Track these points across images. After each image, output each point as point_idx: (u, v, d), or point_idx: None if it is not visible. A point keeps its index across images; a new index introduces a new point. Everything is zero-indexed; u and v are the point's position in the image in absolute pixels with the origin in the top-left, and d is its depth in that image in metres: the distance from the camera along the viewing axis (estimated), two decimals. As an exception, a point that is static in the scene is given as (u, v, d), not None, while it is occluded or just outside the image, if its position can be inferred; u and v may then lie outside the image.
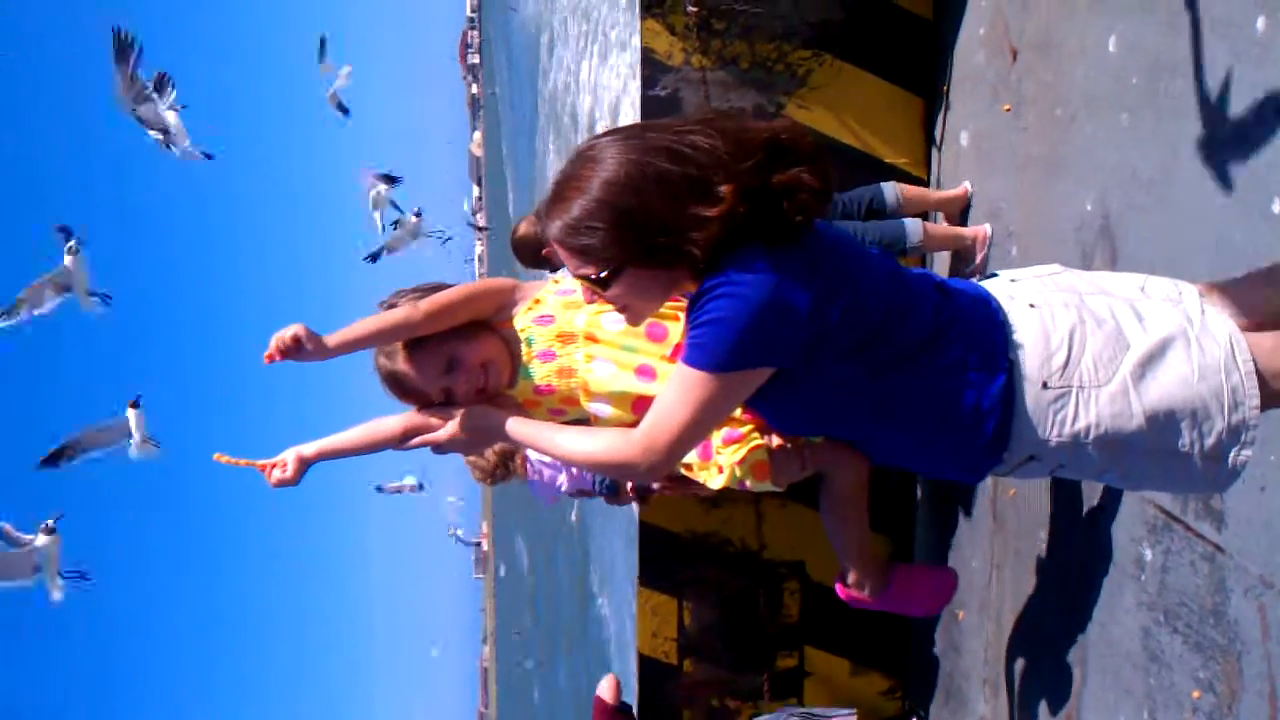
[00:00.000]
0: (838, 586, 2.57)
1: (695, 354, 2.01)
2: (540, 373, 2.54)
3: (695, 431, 2.07)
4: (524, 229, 4.93)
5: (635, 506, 4.79)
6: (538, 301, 2.58)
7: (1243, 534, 2.98)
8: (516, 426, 2.34)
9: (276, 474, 2.63)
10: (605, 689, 5.35)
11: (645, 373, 2.43)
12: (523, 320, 2.62)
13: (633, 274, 2.04)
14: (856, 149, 5.09)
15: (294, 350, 2.27)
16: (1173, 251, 3.28)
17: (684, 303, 2.13)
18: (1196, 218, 3.21)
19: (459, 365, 2.52)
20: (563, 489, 4.47)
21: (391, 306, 2.51)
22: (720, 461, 2.65)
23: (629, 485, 4.25)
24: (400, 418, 2.56)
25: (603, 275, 2.04)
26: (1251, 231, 2.95)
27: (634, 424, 2.17)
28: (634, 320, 2.20)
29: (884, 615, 5.30)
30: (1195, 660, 3.14)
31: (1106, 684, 3.62)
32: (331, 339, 2.34)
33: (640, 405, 2.43)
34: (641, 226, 1.97)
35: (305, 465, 2.64)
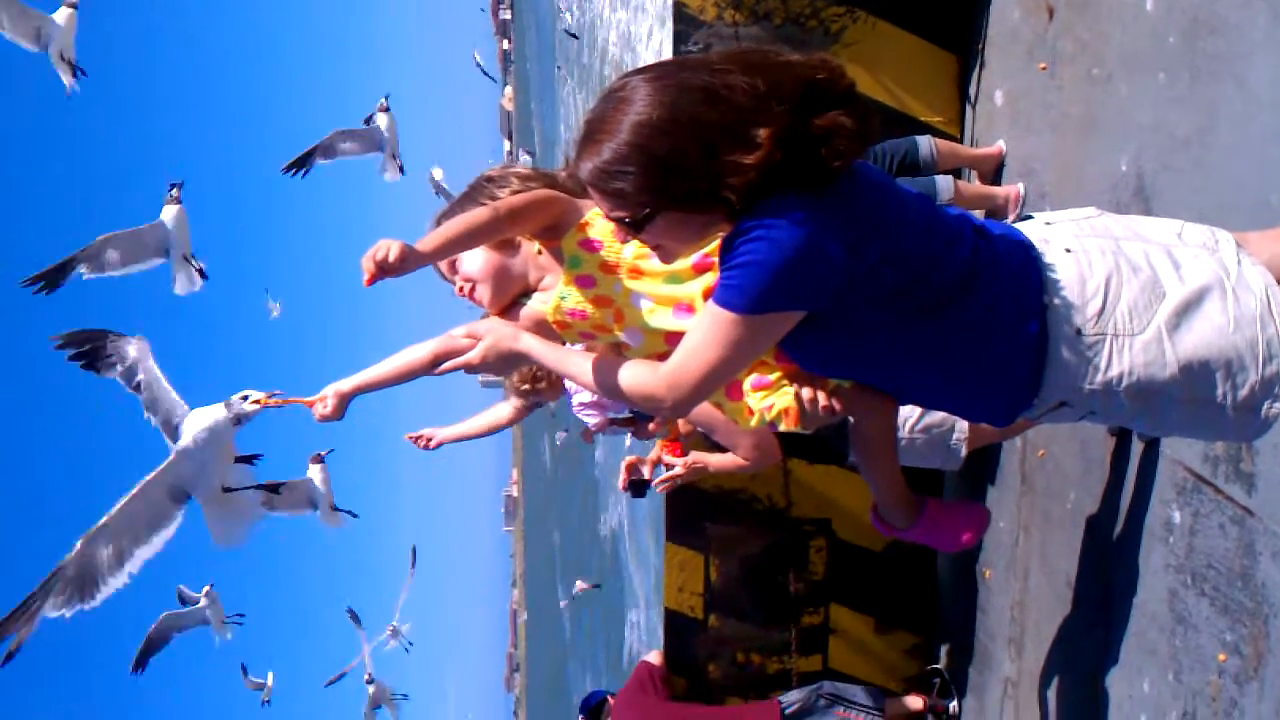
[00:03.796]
0: (872, 517, 2.59)
1: (727, 294, 2.00)
2: (574, 298, 2.52)
3: (723, 371, 2.07)
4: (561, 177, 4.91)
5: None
6: (586, 224, 2.58)
7: (1273, 497, 2.97)
8: (546, 351, 2.35)
9: (319, 409, 2.72)
10: (654, 656, 5.40)
11: (683, 310, 2.42)
12: (569, 243, 2.62)
13: (666, 218, 2.02)
14: (891, 106, 5.05)
15: (394, 267, 2.26)
16: (1208, 213, 3.24)
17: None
18: (1232, 179, 3.18)
19: (457, 266, 2.57)
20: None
21: (486, 188, 2.56)
22: (751, 404, 2.66)
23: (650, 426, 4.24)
24: (430, 344, 2.61)
25: (636, 219, 2.03)
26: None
27: (664, 356, 2.19)
28: (667, 259, 2.20)
29: (911, 573, 5.37)
30: (1222, 623, 3.14)
31: (1132, 645, 3.63)
32: (425, 245, 2.31)
33: (673, 339, 2.42)
34: (675, 171, 1.94)
35: (345, 400, 2.71)
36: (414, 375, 2.69)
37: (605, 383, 2.21)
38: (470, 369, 2.47)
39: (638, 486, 4.31)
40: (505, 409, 4.31)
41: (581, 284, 2.50)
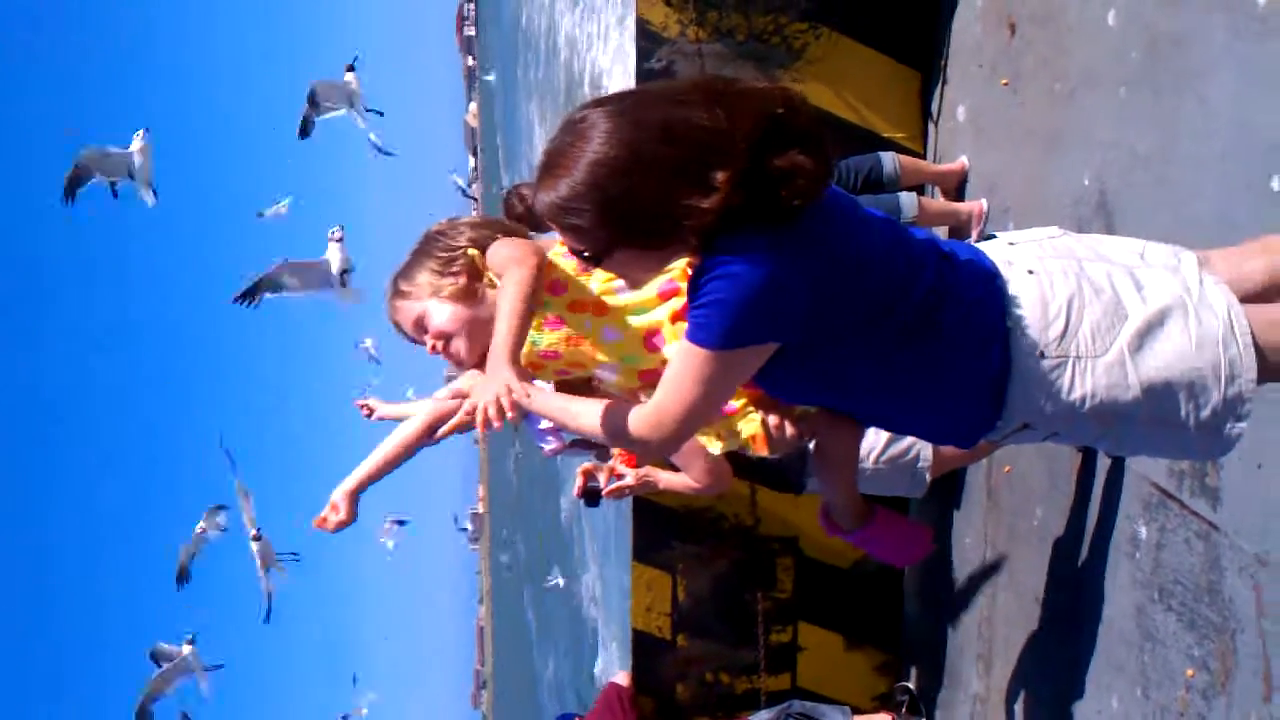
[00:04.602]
0: (820, 515, 2.58)
1: (697, 332, 1.99)
2: (547, 339, 2.51)
3: (703, 407, 2.06)
4: (515, 204, 4.89)
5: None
6: (550, 265, 2.56)
7: (1238, 512, 2.97)
8: (542, 402, 2.29)
9: (333, 519, 2.71)
10: (622, 677, 5.37)
11: (653, 343, 2.41)
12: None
13: (624, 252, 2.01)
14: (853, 123, 5.05)
15: (514, 415, 2.14)
16: (1170, 228, 3.25)
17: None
18: (1195, 194, 3.19)
19: (425, 327, 2.55)
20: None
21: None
22: (718, 429, 2.65)
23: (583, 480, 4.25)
24: (421, 416, 2.63)
25: (594, 253, 2.02)
26: (1251, 208, 2.93)
27: (638, 390, 2.21)
28: (633, 286, 2.21)
29: (879, 591, 5.36)
30: (1189, 638, 3.14)
31: (1100, 661, 3.62)
32: (504, 354, 2.23)
33: (646, 375, 2.41)
34: (630, 212, 1.93)
35: (354, 499, 2.73)
36: (413, 450, 2.72)
37: (593, 428, 2.19)
38: (463, 429, 2.46)
39: (591, 495, 4.31)
40: (414, 423, 4.33)
41: (551, 326, 2.48)
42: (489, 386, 2.18)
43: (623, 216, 1.93)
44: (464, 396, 2.40)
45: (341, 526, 2.71)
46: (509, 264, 2.39)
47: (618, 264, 2.05)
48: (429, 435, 2.60)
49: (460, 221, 2.63)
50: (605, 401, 2.23)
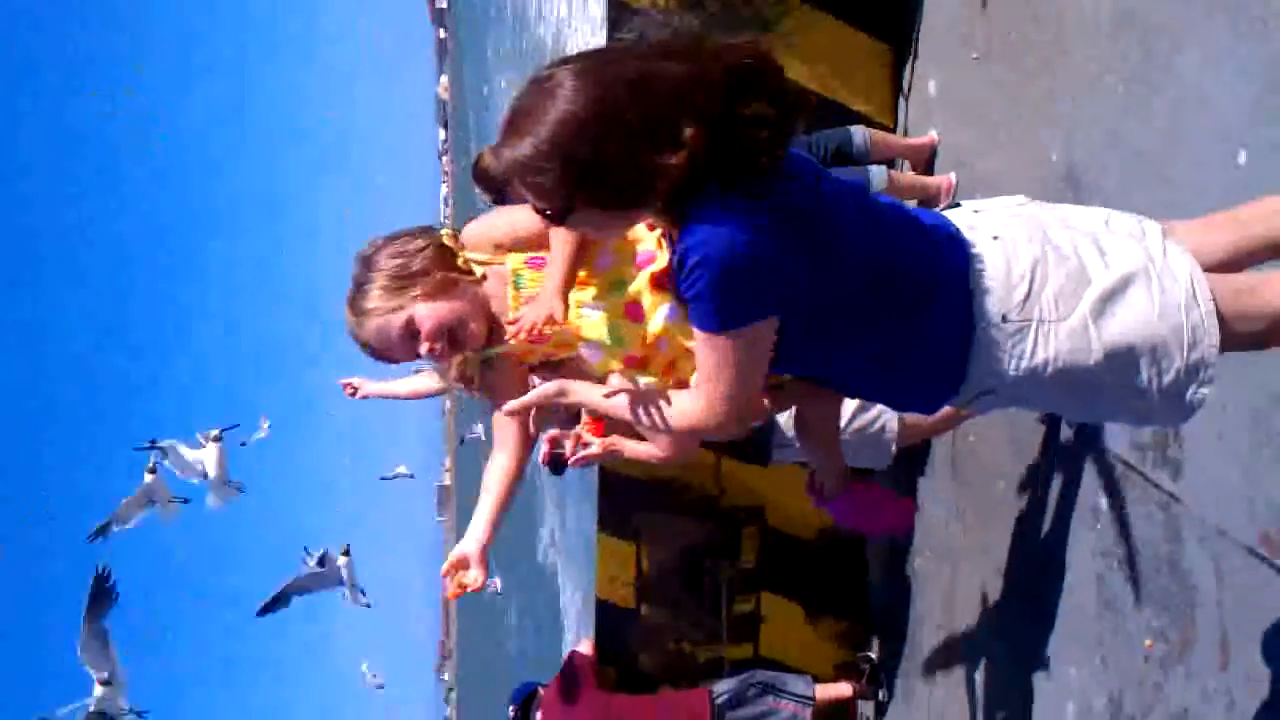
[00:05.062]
0: (807, 486, 2.60)
1: (702, 322, 2.01)
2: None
3: (744, 382, 2.07)
4: (486, 160, 4.87)
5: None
6: (526, 241, 2.54)
7: (1199, 484, 3.00)
8: (589, 394, 2.30)
9: (474, 581, 2.65)
10: (585, 646, 5.38)
11: (634, 313, 2.39)
12: (514, 260, 2.58)
13: (586, 213, 1.99)
14: (825, 96, 5.04)
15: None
16: (1138, 202, 3.26)
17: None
18: (1163, 169, 3.21)
19: (418, 333, 2.49)
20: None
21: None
22: None
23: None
24: (506, 445, 2.75)
25: (557, 212, 2.00)
26: (1218, 183, 2.95)
27: (623, 370, 2.28)
28: (599, 241, 2.26)
29: (842, 561, 5.40)
30: (1149, 609, 3.18)
31: (1060, 632, 3.67)
32: (555, 289, 2.38)
33: (630, 360, 2.41)
34: (595, 172, 1.91)
35: (484, 551, 2.68)
36: (519, 477, 2.80)
37: (651, 423, 2.20)
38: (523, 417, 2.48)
39: (557, 463, 4.31)
40: (433, 380, 4.32)
41: (530, 304, 2.46)
42: (539, 309, 2.36)
43: (587, 176, 1.91)
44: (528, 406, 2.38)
45: (482, 584, 2.67)
46: (511, 228, 2.46)
47: (580, 223, 2.05)
48: (529, 450, 2.64)
49: (390, 236, 2.61)
50: (657, 394, 2.23)
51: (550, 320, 2.34)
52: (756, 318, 1.99)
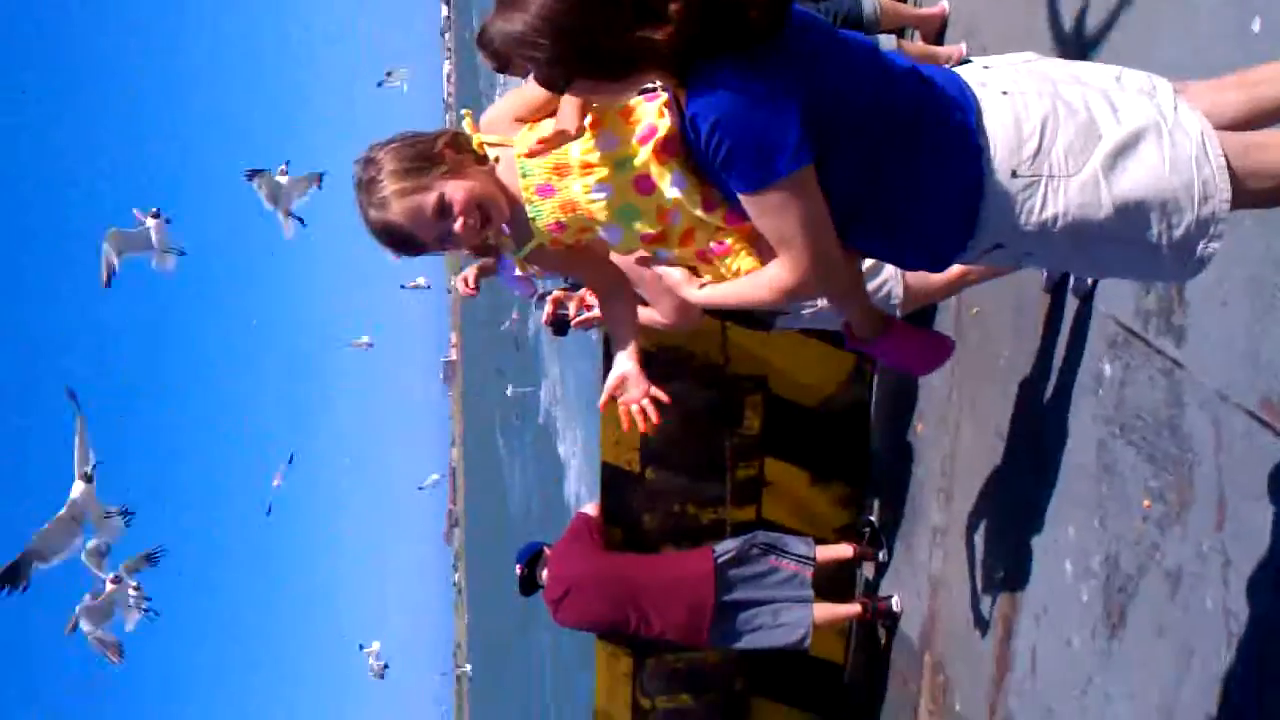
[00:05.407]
0: (844, 331, 2.62)
1: (745, 184, 2.03)
2: (545, 210, 2.47)
3: (816, 232, 2.08)
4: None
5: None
6: (531, 125, 2.51)
7: (1202, 350, 3.02)
8: (711, 293, 2.38)
9: (635, 401, 2.69)
10: (591, 508, 5.46)
11: (644, 186, 2.38)
12: (520, 147, 2.55)
13: (584, 84, 2.04)
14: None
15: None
16: (1151, 69, 3.22)
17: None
18: (1176, 35, 3.16)
19: (451, 207, 2.46)
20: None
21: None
22: (714, 272, 2.66)
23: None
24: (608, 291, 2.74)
25: (556, 84, 2.05)
26: (1231, 49, 2.91)
27: (645, 248, 2.34)
28: (606, 106, 2.23)
29: (844, 428, 5.45)
30: (1147, 471, 3.22)
31: (1059, 494, 3.72)
32: (569, 119, 2.35)
33: (648, 238, 2.41)
34: (585, 46, 1.95)
35: (641, 367, 2.70)
36: (631, 297, 2.81)
37: (759, 298, 2.27)
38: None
39: (560, 324, 4.35)
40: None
41: (542, 193, 2.44)
42: (557, 124, 2.36)
43: (579, 50, 1.95)
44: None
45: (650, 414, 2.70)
46: (524, 102, 2.44)
47: (582, 91, 2.09)
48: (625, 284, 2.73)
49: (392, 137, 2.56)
50: (760, 272, 2.27)
51: (564, 135, 2.34)
52: (791, 165, 1.99)
